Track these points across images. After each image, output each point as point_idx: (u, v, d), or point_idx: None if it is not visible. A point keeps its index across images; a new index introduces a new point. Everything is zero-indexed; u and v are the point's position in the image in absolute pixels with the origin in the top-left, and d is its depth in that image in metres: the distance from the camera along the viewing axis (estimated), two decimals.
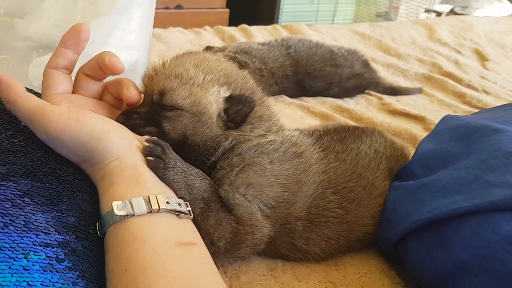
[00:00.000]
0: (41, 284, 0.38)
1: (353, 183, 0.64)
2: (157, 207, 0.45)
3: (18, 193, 0.42)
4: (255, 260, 0.63)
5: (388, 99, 1.28)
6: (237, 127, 0.59)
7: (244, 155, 0.57)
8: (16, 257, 0.38)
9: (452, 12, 3.08)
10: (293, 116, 1.12)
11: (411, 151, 0.82)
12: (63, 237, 0.42)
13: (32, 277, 0.38)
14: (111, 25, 0.76)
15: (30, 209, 0.42)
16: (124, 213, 0.44)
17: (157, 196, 0.46)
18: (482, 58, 1.71)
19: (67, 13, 0.80)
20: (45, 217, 0.42)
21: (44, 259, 0.39)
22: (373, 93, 1.31)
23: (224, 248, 0.55)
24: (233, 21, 2.39)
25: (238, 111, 0.58)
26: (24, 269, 0.38)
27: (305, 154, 0.62)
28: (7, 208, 0.41)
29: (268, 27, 1.83)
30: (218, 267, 0.47)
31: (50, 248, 0.40)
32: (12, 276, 0.37)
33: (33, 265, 0.38)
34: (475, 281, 0.50)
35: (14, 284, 0.37)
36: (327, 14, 3.35)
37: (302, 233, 0.61)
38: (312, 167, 0.62)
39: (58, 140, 0.47)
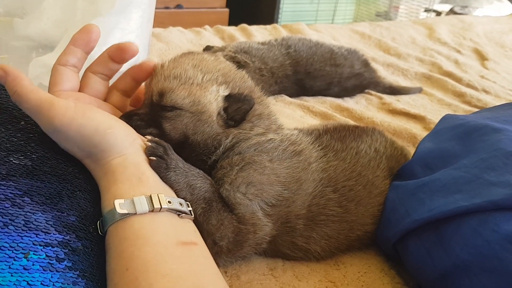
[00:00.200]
0: (41, 283, 0.38)
1: (353, 181, 0.64)
2: (159, 206, 0.45)
3: (18, 192, 0.42)
4: (255, 260, 0.63)
5: (388, 98, 1.28)
6: (237, 125, 0.59)
7: (244, 154, 0.58)
8: (16, 256, 0.38)
9: (451, 11, 3.08)
10: (293, 116, 1.12)
11: (411, 150, 0.82)
12: (63, 236, 0.42)
13: (32, 277, 0.38)
14: (111, 24, 0.76)
15: (30, 209, 0.42)
16: (126, 212, 0.44)
17: (159, 195, 0.46)
18: (482, 57, 1.71)
19: (67, 13, 0.80)
20: (45, 217, 0.42)
21: (44, 258, 0.39)
22: (373, 92, 1.31)
23: (227, 248, 0.55)
24: (233, 21, 2.38)
25: (237, 109, 0.58)
26: (24, 268, 0.38)
27: (304, 152, 0.62)
28: (7, 207, 0.41)
29: (268, 26, 1.83)
30: (219, 268, 0.47)
31: (50, 247, 0.40)
32: (12, 275, 0.37)
33: (33, 264, 0.38)
34: (475, 280, 0.50)
35: (14, 284, 0.37)
36: (327, 13, 3.35)
37: (303, 232, 0.61)
38: (311, 165, 0.62)
39: (63, 133, 0.47)
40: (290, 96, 1.24)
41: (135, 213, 0.44)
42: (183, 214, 0.48)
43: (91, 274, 0.43)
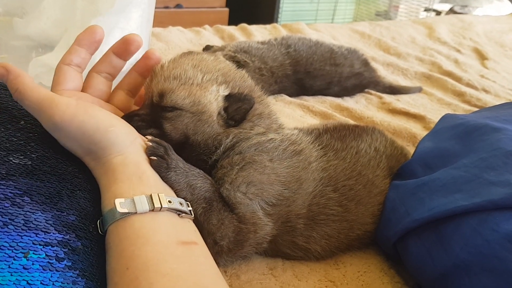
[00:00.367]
0: (41, 283, 0.38)
1: (353, 181, 0.65)
2: (159, 206, 0.45)
3: (18, 192, 0.42)
4: (255, 259, 0.63)
5: (387, 98, 1.28)
6: (238, 124, 0.59)
7: (244, 153, 0.58)
8: (16, 256, 0.38)
9: (451, 11, 3.08)
10: (293, 115, 1.12)
11: (410, 150, 0.82)
12: (62, 236, 0.42)
13: (32, 276, 0.38)
14: (110, 24, 0.76)
15: (30, 208, 0.42)
16: (127, 211, 0.44)
17: (159, 194, 0.46)
18: (482, 57, 1.71)
19: (66, 13, 0.80)
20: (44, 216, 0.42)
21: (43, 258, 0.39)
22: (372, 92, 1.31)
23: (227, 247, 0.55)
24: (233, 20, 2.38)
25: (238, 108, 0.58)
26: (24, 268, 0.38)
27: (304, 152, 0.62)
28: (6, 207, 0.40)
29: (268, 26, 1.83)
30: (220, 268, 0.47)
31: (49, 247, 0.40)
32: (11, 275, 0.37)
33: (33, 264, 0.38)
34: (475, 279, 0.50)
35: (14, 283, 0.37)
36: (326, 13, 3.35)
37: (303, 231, 0.61)
38: (311, 165, 0.62)
39: (64, 129, 0.47)
40: (290, 96, 1.24)
41: (136, 213, 0.44)
42: (183, 214, 0.48)
43: (91, 273, 0.43)
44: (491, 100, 1.28)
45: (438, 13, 3.14)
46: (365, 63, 1.31)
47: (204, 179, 0.54)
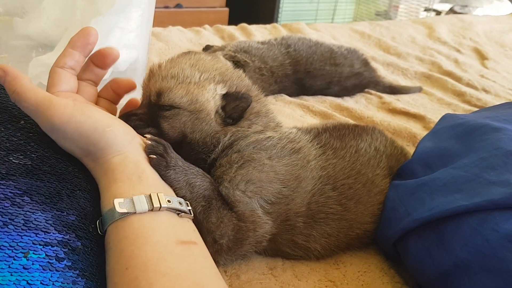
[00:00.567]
0: (41, 283, 0.38)
1: (352, 180, 0.65)
2: (159, 205, 0.45)
3: (18, 192, 0.42)
4: (255, 259, 0.63)
5: (387, 98, 1.28)
6: (235, 123, 0.60)
7: (243, 151, 0.58)
8: (16, 256, 0.38)
9: (451, 11, 3.08)
10: (293, 115, 1.12)
11: (410, 149, 0.82)
12: (62, 235, 0.42)
13: (32, 276, 0.38)
14: (110, 24, 0.76)
15: (30, 208, 0.42)
16: (126, 211, 0.44)
17: (158, 194, 0.46)
18: (482, 57, 1.71)
19: (66, 12, 0.80)
20: (44, 216, 0.42)
21: (43, 258, 0.39)
22: (372, 92, 1.31)
23: (227, 246, 0.55)
24: (233, 20, 2.38)
25: (235, 107, 0.58)
26: (24, 268, 0.38)
27: (303, 150, 0.62)
28: (6, 207, 0.40)
29: (268, 26, 1.83)
30: (219, 267, 0.47)
31: (49, 247, 0.40)
32: (11, 275, 0.37)
33: (33, 264, 0.38)
34: (475, 279, 0.50)
35: (14, 283, 0.37)
36: (326, 13, 3.35)
37: (303, 230, 0.61)
38: (310, 163, 0.62)
39: (62, 131, 0.47)
40: (290, 96, 1.24)
41: (135, 213, 0.44)
42: (183, 213, 0.48)
43: (91, 273, 0.43)
44: (491, 100, 1.28)
45: (438, 13, 3.14)
46: (365, 63, 1.31)
47: (203, 177, 0.54)
